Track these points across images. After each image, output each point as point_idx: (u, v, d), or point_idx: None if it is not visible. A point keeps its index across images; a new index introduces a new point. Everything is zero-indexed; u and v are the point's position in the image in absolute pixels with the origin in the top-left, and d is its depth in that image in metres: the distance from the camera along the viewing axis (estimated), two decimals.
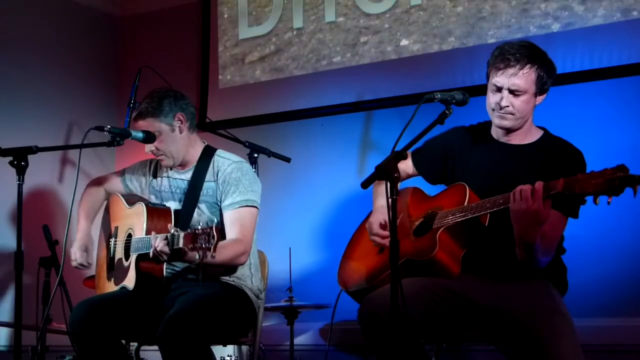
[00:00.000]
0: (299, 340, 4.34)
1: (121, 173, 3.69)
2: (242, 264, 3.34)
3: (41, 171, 4.92)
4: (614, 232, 4.03)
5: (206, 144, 3.56)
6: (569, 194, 2.52)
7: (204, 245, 2.83)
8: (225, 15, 5.38)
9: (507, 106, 2.87)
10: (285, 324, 4.26)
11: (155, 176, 3.58)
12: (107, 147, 3.37)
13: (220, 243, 3.23)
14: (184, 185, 3.47)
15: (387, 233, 2.95)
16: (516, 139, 2.96)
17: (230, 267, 3.35)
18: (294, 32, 5.08)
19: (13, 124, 4.95)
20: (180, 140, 3.42)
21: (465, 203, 2.81)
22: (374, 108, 4.80)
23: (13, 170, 3.13)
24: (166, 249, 3.00)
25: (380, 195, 3.09)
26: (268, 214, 4.89)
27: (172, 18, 5.67)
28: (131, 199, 3.55)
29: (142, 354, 3.61)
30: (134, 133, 3.35)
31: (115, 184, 3.67)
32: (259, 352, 3.61)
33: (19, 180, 3.12)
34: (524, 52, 2.87)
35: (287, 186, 4.99)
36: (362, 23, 4.86)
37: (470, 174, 2.95)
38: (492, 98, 2.90)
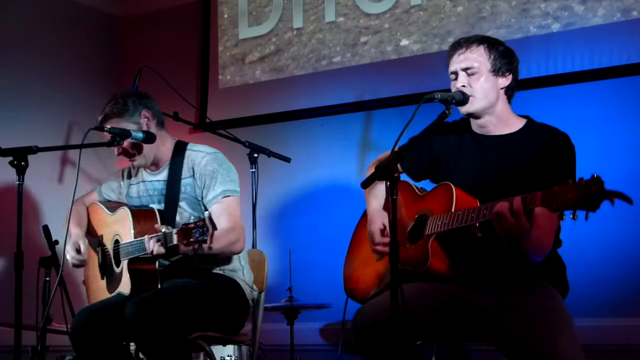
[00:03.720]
0: (299, 340, 4.34)
1: (98, 188, 3.67)
2: (239, 252, 3.34)
3: (41, 171, 4.91)
4: (614, 232, 4.02)
5: (177, 139, 3.52)
6: (546, 207, 2.46)
7: (199, 238, 2.85)
8: (225, 15, 5.38)
9: (464, 86, 2.83)
10: (285, 324, 4.26)
11: (130, 183, 3.56)
12: (107, 147, 3.37)
13: (214, 233, 3.24)
14: (160, 186, 3.44)
15: (388, 240, 2.91)
16: (496, 129, 2.89)
17: (227, 257, 3.35)
18: (294, 32, 5.08)
19: (13, 124, 4.94)
20: None
21: (453, 206, 2.75)
22: (374, 108, 4.80)
23: (13, 170, 3.12)
24: (162, 250, 3.00)
25: (374, 198, 3.07)
26: (268, 214, 4.91)
27: (172, 18, 5.67)
28: (112, 206, 3.52)
29: (142, 354, 3.61)
30: (134, 133, 3.34)
31: (94, 199, 3.65)
32: (259, 352, 3.61)
33: (19, 180, 3.11)
34: (472, 36, 2.91)
35: (287, 186, 4.99)
36: (362, 23, 4.86)
37: (456, 171, 2.92)
38: (452, 87, 2.89)
